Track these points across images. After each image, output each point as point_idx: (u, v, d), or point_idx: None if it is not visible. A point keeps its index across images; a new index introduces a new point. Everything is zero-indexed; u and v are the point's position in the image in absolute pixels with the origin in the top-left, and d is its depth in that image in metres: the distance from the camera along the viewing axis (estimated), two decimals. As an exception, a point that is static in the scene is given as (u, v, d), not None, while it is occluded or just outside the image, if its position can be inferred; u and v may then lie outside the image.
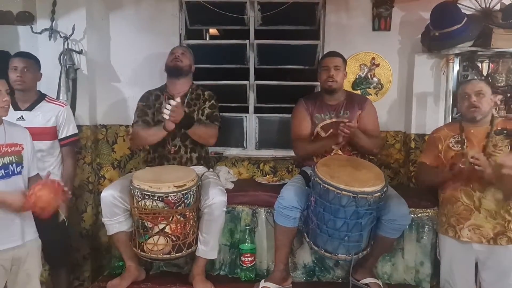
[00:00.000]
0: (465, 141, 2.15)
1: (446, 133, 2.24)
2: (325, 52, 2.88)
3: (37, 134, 2.34)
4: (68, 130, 2.54)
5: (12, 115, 2.27)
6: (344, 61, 2.60)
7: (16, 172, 1.88)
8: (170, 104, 2.34)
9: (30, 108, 2.43)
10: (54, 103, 2.53)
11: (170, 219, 2.19)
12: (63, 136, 2.52)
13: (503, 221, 2.06)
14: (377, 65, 3.03)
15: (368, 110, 2.57)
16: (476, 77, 2.24)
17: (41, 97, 2.50)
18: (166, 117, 2.35)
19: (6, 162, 1.84)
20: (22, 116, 2.40)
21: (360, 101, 2.61)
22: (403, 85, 3.02)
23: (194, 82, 2.74)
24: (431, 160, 2.27)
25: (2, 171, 1.82)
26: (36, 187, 1.77)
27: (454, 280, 2.20)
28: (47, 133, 2.44)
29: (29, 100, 2.45)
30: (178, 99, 2.38)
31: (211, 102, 2.64)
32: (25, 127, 2.11)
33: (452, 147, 2.17)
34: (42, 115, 2.44)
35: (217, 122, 2.62)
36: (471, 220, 2.09)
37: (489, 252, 2.09)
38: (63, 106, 2.54)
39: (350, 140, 2.43)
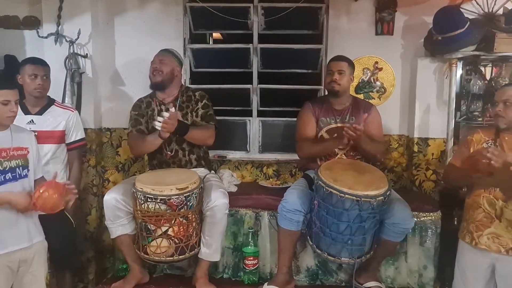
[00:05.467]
0: (498, 147, 2.05)
1: (480, 136, 2.16)
2: (328, 56, 2.90)
3: (46, 137, 2.39)
4: (77, 134, 2.57)
5: (22, 119, 2.31)
6: (351, 65, 2.59)
7: (22, 175, 1.90)
8: (162, 116, 2.30)
9: (40, 113, 2.46)
10: (63, 108, 2.56)
11: (173, 222, 2.21)
12: (71, 141, 2.55)
13: None
14: (380, 69, 3.04)
15: (373, 117, 2.58)
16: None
17: (51, 101, 2.53)
18: (158, 128, 2.32)
19: (13, 166, 1.86)
20: (32, 120, 2.42)
21: (365, 107, 2.61)
22: (406, 89, 3.03)
23: (198, 86, 2.74)
24: (460, 162, 2.17)
25: (9, 174, 1.84)
26: (40, 187, 1.80)
27: (467, 285, 2.15)
28: (55, 137, 2.47)
29: (39, 105, 2.47)
30: (172, 109, 2.35)
31: (203, 102, 2.61)
32: (32, 131, 2.14)
33: None
34: (52, 119, 2.47)
35: (213, 122, 2.60)
36: (490, 228, 2.03)
37: (507, 261, 2.02)
38: (73, 111, 2.58)
39: (355, 143, 2.43)
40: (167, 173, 2.47)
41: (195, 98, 2.63)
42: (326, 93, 2.71)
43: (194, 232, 2.29)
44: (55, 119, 2.48)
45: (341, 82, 2.52)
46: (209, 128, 2.57)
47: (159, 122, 2.30)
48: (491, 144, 2.10)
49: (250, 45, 3.10)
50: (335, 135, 2.51)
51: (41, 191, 1.78)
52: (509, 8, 2.66)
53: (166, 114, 2.31)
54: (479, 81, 2.76)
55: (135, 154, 2.78)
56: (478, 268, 2.11)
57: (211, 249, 2.35)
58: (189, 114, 2.58)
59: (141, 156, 2.97)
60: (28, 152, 1.95)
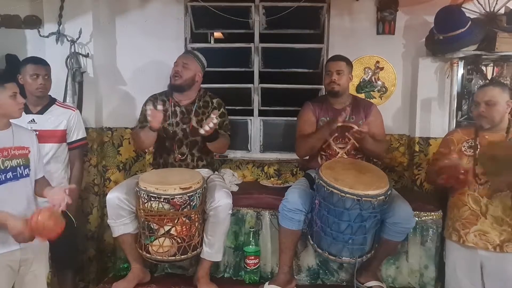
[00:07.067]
0: (478, 146, 2.09)
1: (460, 136, 2.20)
2: (329, 56, 2.89)
3: (47, 137, 2.39)
4: (78, 134, 2.58)
5: (24, 118, 2.30)
6: (349, 65, 2.60)
7: (23, 175, 1.90)
8: (212, 122, 2.27)
9: (41, 112, 2.46)
10: (65, 107, 2.57)
11: (176, 221, 2.21)
12: (72, 140, 2.56)
13: (509, 228, 2.02)
14: (381, 69, 3.04)
15: (375, 116, 2.58)
16: (492, 82, 2.10)
17: (52, 101, 2.53)
18: (202, 131, 2.30)
19: (14, 165, 1.87)
20: (33, 119, 2.42)
21: (365, 106, 2.62)
22: (407, 88, 3.03)
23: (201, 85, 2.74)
24: (439, 162, 2.19)
25: (10, 173, 1.85)
26: (35, 215, 1.73)
27: (459, 284, 2.18)
28: (57, 136, 2.47)
29: (40, 104, 2.47)
30: (214, 115, 2.32)
31: (221, 110, 2.62)
32: (33, 130, 2.14)
33: (464, 152, 2.13)
34: (54, 119, 2.48)
35: (229, 132, 2.63)
36: (477, 226, 2.07)
37: (494, 258, 2.06)
38: (74, 111, 2.58)
39: (360, 145, 2.44)
40: (171, 172, 2.47)
41: (212, 105, 2.64)
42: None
43: (197, 232, 2.30)
44: (56, 118, 2.49)
45: (340, 82, 2.52)
46: (226, 138, 2.60)
47: (209, 127, 2.27)
48: (471, 144, 2.11)
49: (251, 45, 3.10)
50: (336, 134, 2.51)
51: (36, 217, 1.71)
52: (511, 8, 2.66)
53: (215, 120, 2.29)
54: (480, 81, 2.77)
55: (138, 149, 2.79)
56: (467, 266, 2.14)
57: (214, 249, 2.35)
58: (205, 120, 2.53)
59: (143, 151, 2.98)
60: (30, 151, 1.95)
